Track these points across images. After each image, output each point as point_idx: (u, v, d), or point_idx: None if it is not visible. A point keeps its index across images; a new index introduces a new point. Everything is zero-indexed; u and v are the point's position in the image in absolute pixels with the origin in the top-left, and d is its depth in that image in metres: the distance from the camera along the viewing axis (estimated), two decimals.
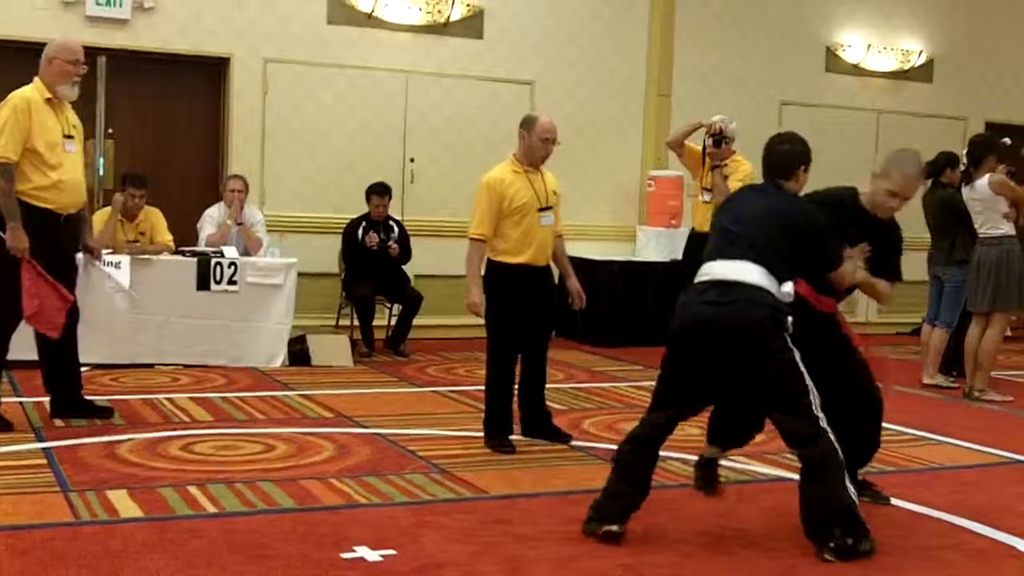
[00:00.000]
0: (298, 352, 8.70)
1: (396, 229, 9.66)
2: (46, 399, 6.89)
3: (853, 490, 4.35)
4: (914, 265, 10.51)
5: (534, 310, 6.13)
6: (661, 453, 5.93)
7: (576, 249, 8.66)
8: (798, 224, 4.49)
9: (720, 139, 7.99)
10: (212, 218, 9.16)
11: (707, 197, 8.14)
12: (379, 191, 9.55)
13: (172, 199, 9.48)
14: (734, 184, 7.61)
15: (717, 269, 4.43)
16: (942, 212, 8.63)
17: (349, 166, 10.26)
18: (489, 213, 6.02)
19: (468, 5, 10.64)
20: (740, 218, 4.52)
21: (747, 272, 4.34)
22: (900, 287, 5.03)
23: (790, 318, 4.33)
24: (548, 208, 6.11)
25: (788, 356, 4.27)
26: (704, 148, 8.26)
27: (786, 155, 4.68)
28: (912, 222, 10.15)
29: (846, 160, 11.91)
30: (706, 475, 4.99)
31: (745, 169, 7.99)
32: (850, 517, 4.27)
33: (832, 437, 4.28)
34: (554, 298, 6.25)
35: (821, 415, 4.27)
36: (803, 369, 4.28)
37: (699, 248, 7.66)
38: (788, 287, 4.38)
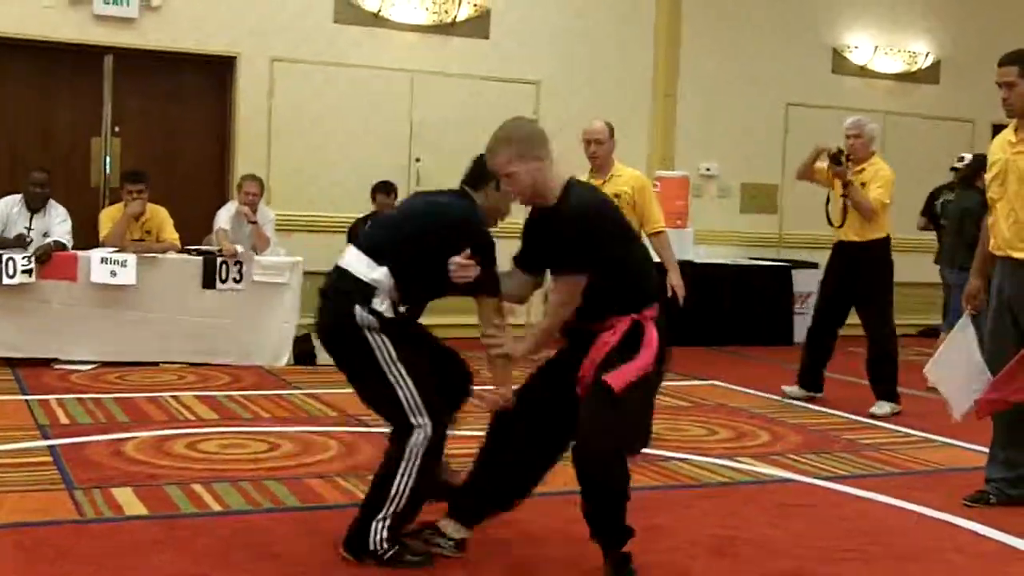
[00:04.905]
0: (303, 351, 8.70)
1: None
2: (53, 397, 6.91)
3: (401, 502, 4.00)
4: (920, 267, 10.55)
5: None
6: (665, 453, 5.97)
7: None
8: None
9: (839, 157, 7.44)
10: (228, 212, 9.04)
11: (835, 222, 7.59)
12: (384, 189, 9.55)
13: (178, 198, 9.49)
14: (876, 195, 7.33)
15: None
16: (966, 215, 8.41)
17: (355, 165, 10.26)
18: None
19: (475, 5, 10.65)
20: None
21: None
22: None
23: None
24: None
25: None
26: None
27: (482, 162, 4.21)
28: (914, 222, 10.19)
29: None
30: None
31: (884, 175, 7.44)
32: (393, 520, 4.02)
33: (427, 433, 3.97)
34: None
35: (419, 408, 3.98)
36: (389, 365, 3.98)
37: (840, 259, 7.56)
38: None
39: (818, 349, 7.80)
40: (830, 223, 7.66)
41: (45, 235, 8.27)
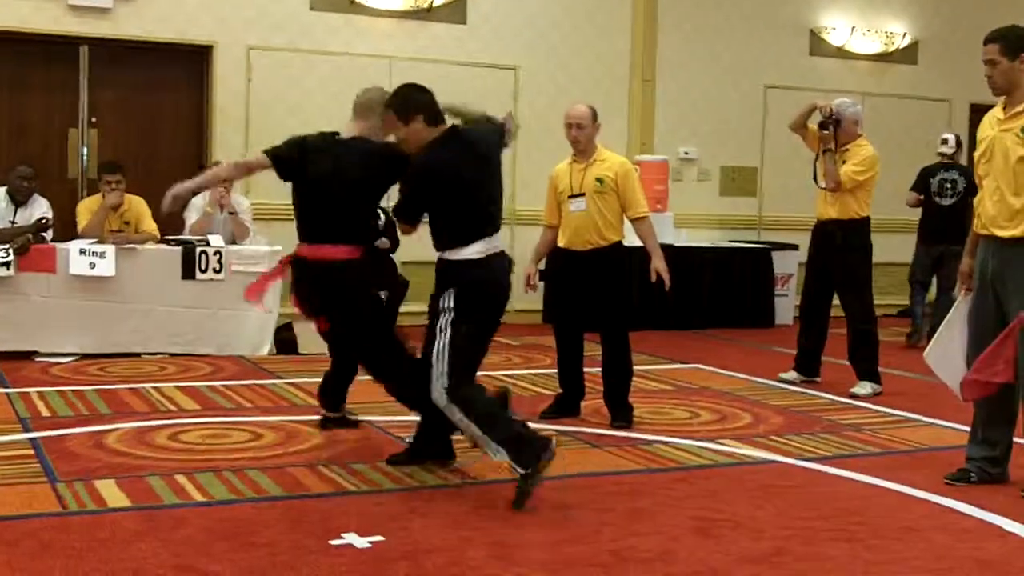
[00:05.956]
0: (285, 340, 8.68)
1: (382, 216, 9.60)
2: (34, 389, 6.88)
3: None
4: (900, 247, 10.60)
5: (578, 291, 6.33)
6: (648, 437, 5.99)
7: None
8: None
9: (827, 123, 7.41)
10: (196, 206, 9.10)
11: (821, 183, 7.54)
12: None
13: (156, 188, 9.32)
14: (848, 169, 7.31)
15: None
16: None
17: None
18: (547, 201, 6.53)
19: None
20: None
21: None
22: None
23: None
24: (579, 195, 6.29)
25: None
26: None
27: None
28: (894, 203, 10.23)
29: None
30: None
31: (864, 154, 7.40)
32: None
33: None
34: (609, 284, 6.30)
35: None
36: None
37: (820, 238, 7.59)
38: None
39: (810, 332, 7.80)
40: (816, 182, 7.63)
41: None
